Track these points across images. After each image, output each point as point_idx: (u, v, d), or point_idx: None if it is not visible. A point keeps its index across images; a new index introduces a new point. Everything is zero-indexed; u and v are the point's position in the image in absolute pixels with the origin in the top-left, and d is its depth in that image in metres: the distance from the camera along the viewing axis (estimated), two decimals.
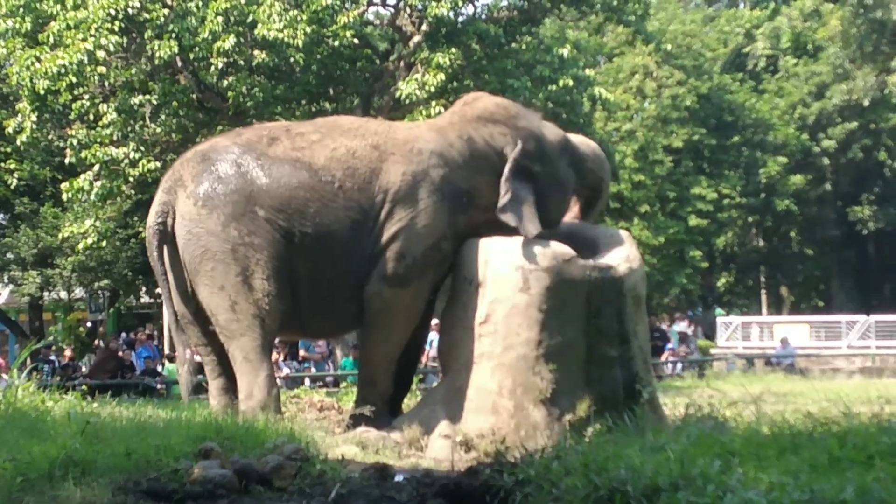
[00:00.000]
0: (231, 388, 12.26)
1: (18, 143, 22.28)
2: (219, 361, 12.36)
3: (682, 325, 33.03)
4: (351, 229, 12.09)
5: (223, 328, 11.81)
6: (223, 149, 12.19)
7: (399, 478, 8.32)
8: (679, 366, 28.55)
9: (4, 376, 17.94)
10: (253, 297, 11.69)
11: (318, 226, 11.94)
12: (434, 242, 12.31)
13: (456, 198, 12.41)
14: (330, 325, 12.99)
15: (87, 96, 21.86)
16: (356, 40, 22.05)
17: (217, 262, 11.66)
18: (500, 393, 11.44)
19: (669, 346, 29.12)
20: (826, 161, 43.21)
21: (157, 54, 20.19)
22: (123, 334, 27.69)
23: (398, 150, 12.36)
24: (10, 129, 22.06)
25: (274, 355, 17.93)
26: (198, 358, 16.20)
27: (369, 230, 12.17)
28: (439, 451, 11.01)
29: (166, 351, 26.70)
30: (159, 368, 23.53)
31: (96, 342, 26.03)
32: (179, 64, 21.70)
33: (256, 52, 20.72)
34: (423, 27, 22.73)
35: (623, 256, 12.23)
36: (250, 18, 20.45)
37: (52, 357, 23.29)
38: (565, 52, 23.69)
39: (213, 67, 20.95)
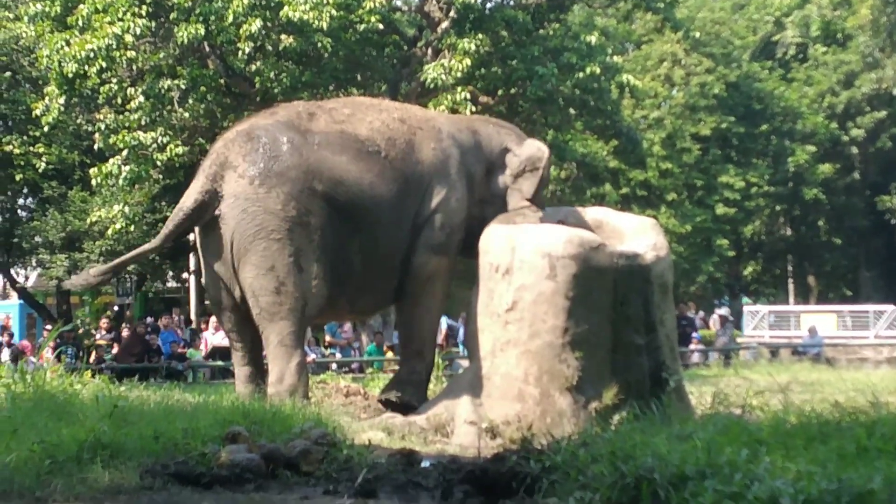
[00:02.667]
0: (258, 376, 12.34)
1: (44, 124, 22.34)
2: (249, 349, 12.39)
3: (723, 310, 33.09)
4: (400, 200, 12.30)
5: (263, 309, 11.72)
6: (267, 127, 12.14)
7: (425, 464, 8.34)
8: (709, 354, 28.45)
9: (32, 358, 18.04)
10: (301, 279, 11.69)
11: (373, 198, 12.07)
12: (463, 217, 12.77)
13: (469, 179, 12.82)
14: (374, 301, 13.09)
15: (115, 80, 21.91)
16: (381, 26, 22.01)
17: (272, 241, 11.56)
18: (526, 380, 11.43)
19: (695, 334, 29.01)
20: (854, 150, 43.02)
21: (183, 37, 20.19)
22: (150, 319, 27.73)
23: (423, 126, 12.88)
24: (37, 112, 22.10)
25: None
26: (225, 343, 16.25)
27: (415, 200, 12.46)
28: (465, 437, 11.02)
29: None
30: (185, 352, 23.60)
31: (122, 326, 26.08)
32: (207, 49, 21.73)
33: (283, 36, 20.73)
34: (451, 13, 22.70)
35: (650, 244, 12.20)
36: (276, 1, 20.44)
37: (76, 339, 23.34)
38: (593, 38, 23.65)
39: (240, 52, 20.99)
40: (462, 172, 12.90)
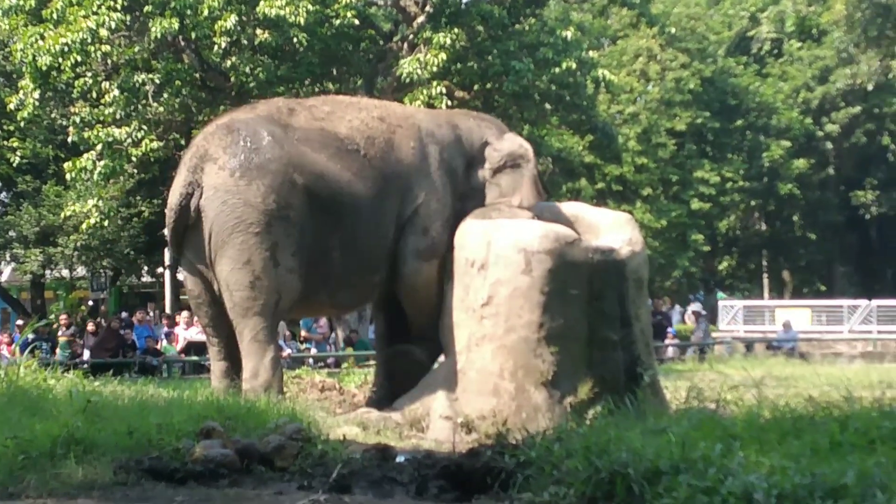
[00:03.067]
0: (234, 371, 12.22)
1: (20, 119, 22.25)
2: (226, 343, 12.25)
3: (695, 306, 33.19)
4: (379, 199, 12.28)
5: (237, 304, 11.65)
6: (247, 121, 12.09)
7: (400, 459, 8.33)
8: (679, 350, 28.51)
9: (6, 353, 17.98)
10: (276, 273, 11.61)
11: (352, 195, 12.03)
12: (447, 216, 12.72)
13: (450, 175, 12.85)
14: (354, 296, 13.03)
15: (89, 74, 21.82)
16: (357, 21, 21.98)
17: (249, 234, 11.48)
18: (501, 375, 11.45)
19: (671, 329, 29.08)
20: (829, 145, 43.19)
21: (157, 31, 20.11)
22: (124, 313, 27.65)
23: (402, 124, 12.88)
24: (11, 106, 22.00)
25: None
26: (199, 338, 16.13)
27: (395, 200, 12.46)
28: (440, 432, 11.04)
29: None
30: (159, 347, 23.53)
31: (97, 321, 25.99)
32: (182, 43, 21.68)
33: (259, 31, 20.68)
34: (427, 8, 22.70)
35: (625, 239, 12.24)
36: None
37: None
38: (569, 34, 23.64)
39: (216, 47, 20.95)
40: (443, 169, 12.90)
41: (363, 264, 12.38)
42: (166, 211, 12.05)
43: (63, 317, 24.35)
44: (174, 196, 11.81)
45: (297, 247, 11.72)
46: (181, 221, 11.76)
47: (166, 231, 12.15)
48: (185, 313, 25.05)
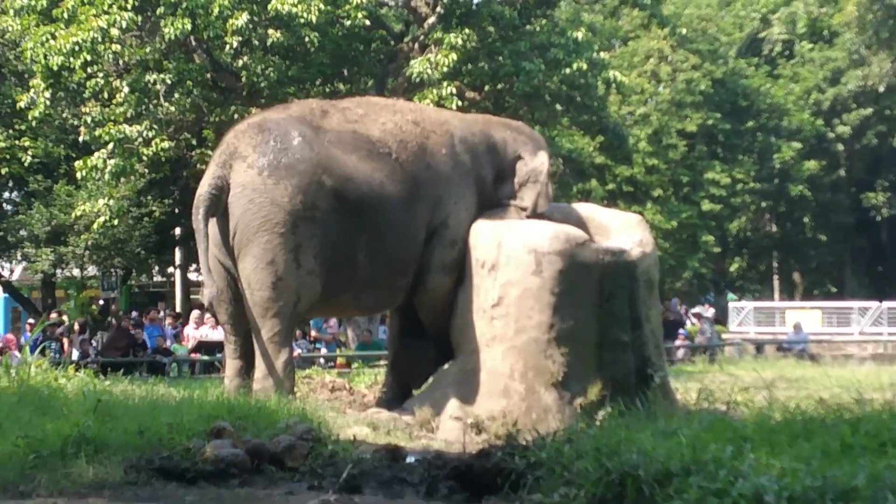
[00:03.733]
0: (248, 370, 12.25)
1: (30, 118, 22.25)
2: (242, 343, 12.29)
3: (697, 309, 33.14)
4: (409, 203, 12.30)
5: (257, 303, 11.66)
6: (279, 121, 12.13)
7: (410, 459, 8.33)
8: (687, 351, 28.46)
9: (17, 353, 17.98)
10: (298, 273, 11.63)
11: (381, 197, 12.04)
12: (469, 228, 12.68)
13: (479, 184, 12.88)
14: (380, 298, 12.95)
15: (101, 74, 21.82)
16: (368, 21, 21.95)
17: (275, 234, 11.50)
18: (511, 376, 11.47)
19: (682, 330, 29.05)
20: (840, 147, 43.13)
21: (169, 31, 20.12)
22: (135, 313, 27.68)
23: (436, 129, 12.91)
24: (22, 105, 22.01)
25: None
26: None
27: (426, 205, 12.47)
28: (450, 432, 11.04)
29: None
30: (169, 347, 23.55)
31: (108, 320, 26.03)
32: (193, 43, 21.67)
33: (270, 31, 20.67)
34: (438, 8, 22.68)
35: (636, 241, 12.25)
36: None
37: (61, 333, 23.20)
38: (580, 35, 23.58)
39: (227, 47, 20.93)
40: (472, 178, 12.97)
41: (390, 268, 12.37)
42: (194, 205, 11.93)
43: (76, 325, 24.43)
44: (202, 189, 11.82)
45: (320, 249, 11.73)
46: (209, 213, 11.75)
47: (194, 223, 12.00)
48: (195, 312, 25.08)
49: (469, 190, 12.88)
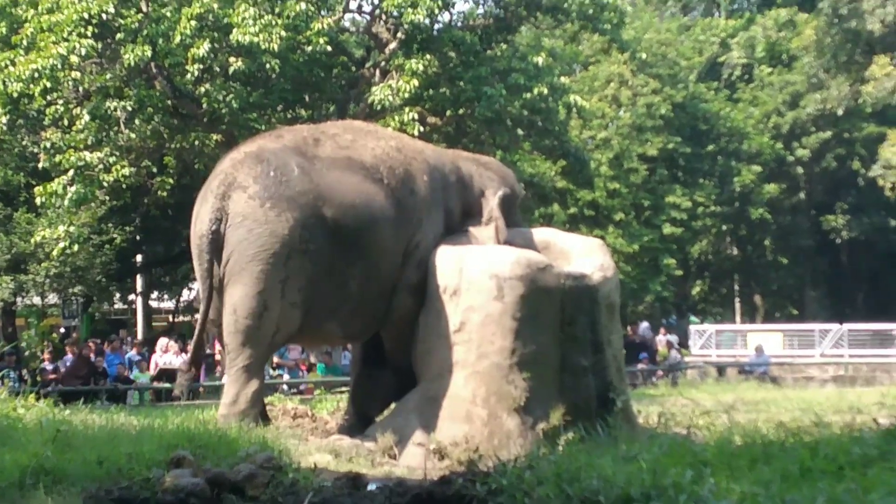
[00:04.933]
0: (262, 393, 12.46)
1: None
2: None
3: (671, 336, 33.35)
4: (398, 227, 12.39)
5: (240, 331, 11.67)
6: (276, 151, 12.12)
7: (372, 486, 8.30)
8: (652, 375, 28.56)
9: None
10: (281, 304, 11.67)
11: (376, 224, 12.13)
12: (431, 253, 12.71)
13: (447, 215, 13.01)
14: (365, 325, 12.90)
15: (61, 101, 21.71)
16: (329, 47, 21.96)
17: (268, 265, 11.52)
18: (473, 401, 11.46)
19: (644, 354, 29.13)
20: (800, 170, 43.31)
21: (128, 58, 20.05)
22: (96, 341, 27.52)
23: (416, 156, 13.13)
24: None
25: None
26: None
27: (408, 230, 12.54)
28: (413, 459, 11.02)
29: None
30: (130, 375, 23.43)
31: (66, 348, 25.86)
32: (154, 70, 21.60)
33: (232, 59, 20.64)
34: (399, 34, 22.71)
35: (597, 265, 12.28)
36: (224, 23, 20.36)
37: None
38: (540, 59, 23.65)
39: (188, 74, 20.88)
40: (442, 207, 13.10)
41: (381, 294, 12.47)
42: (196, 238, 11.92)
43: (46, 354, 24.30)
44: (202, 224, 11.80)
45: (307, 282, 11.76)
46: (211, 248, 11.72)
47: (194, 259, 12.03)
48: (162, 340, 25.06)
49: (439, 217, 13.00)
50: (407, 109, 21.56)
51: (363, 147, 12.56)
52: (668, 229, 39.84)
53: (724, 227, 43.67)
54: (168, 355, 24.30)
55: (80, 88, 21.71)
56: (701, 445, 7.61)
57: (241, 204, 11.67)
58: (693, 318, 43.70)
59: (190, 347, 14.66)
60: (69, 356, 23.61)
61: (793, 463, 6.30)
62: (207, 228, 11.69)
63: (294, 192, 11.69)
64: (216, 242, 11.71)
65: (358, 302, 12.28)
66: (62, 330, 31.17)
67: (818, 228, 43.53)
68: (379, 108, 21.62)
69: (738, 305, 47.67)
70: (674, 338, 33.53)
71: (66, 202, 21.54)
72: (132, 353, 25.07)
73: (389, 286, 12.51)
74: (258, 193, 11.65)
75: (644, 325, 35.57)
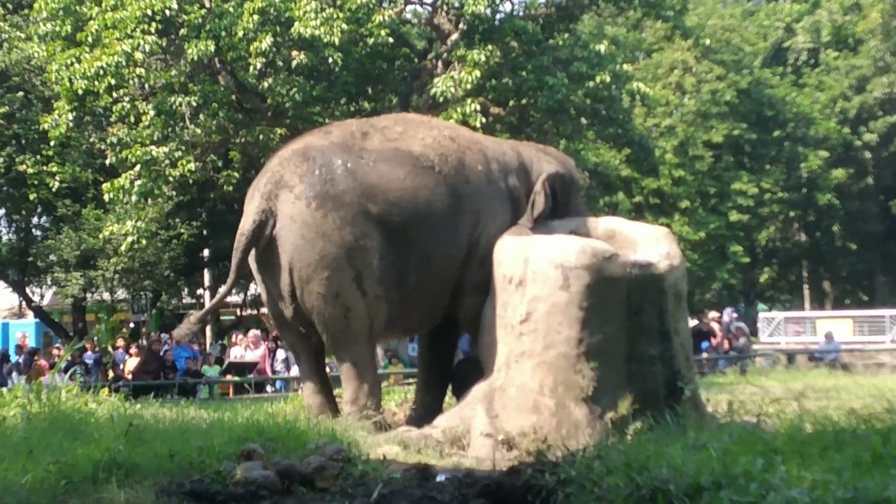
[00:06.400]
0: (324, 388, 12.64)
1: (51, 138, 22.29)
2: (314, 361, 12.71)
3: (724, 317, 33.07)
4: (452, 216, 12.36)
5: (334, 337, 11.97)
6: (323, 148, 12.16)
7: (441, 478, 8.32)
8: (721, 362, 28.31)
9: (46, 378, 18.07)
10: (365, 301, 11.82)
11: (427, 215, 12.13)
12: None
13: (514, 203, 12.93)
14: (425, 318, 13.00)
15: (126, 98, 21.89)
16: (391, 39, 21.98)
17: (333, 269, 11.65)
18: (541, 391, 11.43)
19: (707, 343, 28.90)
20: (868, 155, 42.86)
21: (192, 53, 20.15)
22: (165, 335, 27.77)
23: (471, 146, 12.99)
24: (45, 126, 22.08)
25: None
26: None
27: (468, 220, 12.52)
28: (481, 449, 11.00)
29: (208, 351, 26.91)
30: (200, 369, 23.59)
31: (139, 343, 26.09)
32: (218, 65, 21.72)
33: (294, 52, 20.70)
34: (461, 25, 22.68)
35: (663, 253, 12.19)
36: (286, 17, 20.42)
37: (89, 358, 23.21)
38: (603, 47, 23.55)
39: (251, 68, 20.98)
40: (506, 197, 13.04)
41: (437, 287, 12.49)
42: (238, 235, 12.08)
43: (120, 341, 24.57)
44: (247, 221, 11.91)
45: (381, 272, 11.85)
46: (251, 246, 11.92)
47: (234, 253, 12.18)
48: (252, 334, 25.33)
49: (502, 209, 12.92)
50: (469, 100, 21.54)
51: (412, 138, 12.52)
52: (734, 216, 39.62)
53: (792, 214, 43.35)
54: (237, 349, 24.49)
55: (146, 85, 21.88)
56: (771, 433, 7.54)
57: (287, 204, 11.78)
58: (761, 305, 43.34)
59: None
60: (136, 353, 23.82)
61: (865, 450, 6.24)
62: (249, 227, 11.82)
63: (338, 191, 11.73)
64: (257, 241, 11.86)
65: (417, 295, 12.31)
66: (131, 325, 31.47)
67: (887, 213, 43.04)
68: (441, 99, 21.59)
69: (806, 292, 47.27)
70: (742, 325, 33.22)
71: (133, 197, 21.72)
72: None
73: (449, 279, 12.52)
74: (304, 193, 11.73)
75: (729, 310, 35.34)
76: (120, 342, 24.56)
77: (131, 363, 23.10)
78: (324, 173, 11.80)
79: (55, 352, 24.26)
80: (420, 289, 12.28)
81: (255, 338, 24.74)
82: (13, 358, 24.80)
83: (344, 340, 11.98)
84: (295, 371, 22.66)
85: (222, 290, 13.06)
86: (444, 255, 12.37)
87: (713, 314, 30.39)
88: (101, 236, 25.02)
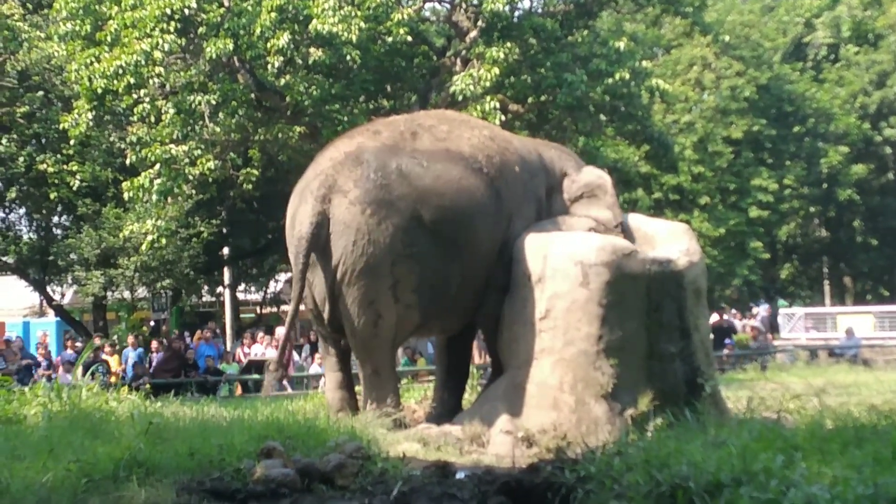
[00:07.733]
0: (347, 385, 12.70)
1: (71, 137, 22.32)
2: (341, 357, 12.74)
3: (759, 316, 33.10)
4: (494, 216, 12.36)
5: (359, 339, 11.99)
6: (375, 150, 12.09)
7: (460, 475, 8.32)
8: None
9: (69, 376, 18.11)
10: (396, 309, 11.85)
11: (476, 218, 12.11)
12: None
13: (537, 203, 12.95)
14: (461, 319, 12.99)
15: (146, 98, 21.91)
16: (410, 37, 21.96)
17: (375, 276, 11.67)
18: (561, 388, 11.42)
19: (729, 340, 28.85)
20: (888, 150, 42.77)
21: (212, 52, 20.15)
22: (186, 333, 27.82)
23: (507, 147, 12.93)
24: (65, 126, 22.12)
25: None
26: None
27: (503, 221, 12.49)
28: (501, 446, 11.00)
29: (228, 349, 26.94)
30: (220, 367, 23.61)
31: (160, 340, 26.11)
32: (237, 63, 21.73)
33: (312, 50, 20.70)
34: (480, 22, 22.64)
35: (683, 250, 12.18)
36: (304, 14, 20.41)
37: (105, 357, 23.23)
38: (622, 44, 23.49)
39: (270, 66, 20.98)
40: (533, 198, 13.04)
41: (476, 289, 12.51)
42: (295, 240, 12.03)
43: (131, 339, 24.56)
44: (304, 226, 11.85)
45: (419, 281, 11.85)
46: (311, 251, 11.84)
47: (292, 259, 12.20)
48: (247, 333, 25.28)
49: (530, 209, 12.94)
50: (488, 98, 21.50)
51: (459, 137, 12.49)
52: (754, 212, 39.55)
53: (812, 209, 43.25)
54: (257, 347, 24.51)
55: (165, 84, 21.90)
56: (791, 430, 7.52)
57: (342, 209, 11.73)
58: (782, 301, 43.25)
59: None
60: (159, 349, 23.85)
61: (886, 446, 6.22)
62: (308, 231, 11.75)
63: (393, 197, 11.70)
64: (316, 245, 11.80)
65: (459, 299, 12.33)
66: (152, 323, 31.51)
67: None
68: (460, 97, 21.56)
69: (827, 288, 47.13)
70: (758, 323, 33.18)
71: (153, 196, 21.75)
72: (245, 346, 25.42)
73: (483, 280, 12.49)
74: (359, 198, 11.68)
75: (763, 307, 35.32)
76: (130, 339, 24.52)
77: (132, 359, 23.08)
78: (379, 178, 11.75)
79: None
80: (460, 293, 12.29)
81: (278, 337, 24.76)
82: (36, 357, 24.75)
83: (370, 347, 12.03)
84: (314, 369, 22.74)
85: (290, 308, 12.59)
86: (483, 257, 12.35)
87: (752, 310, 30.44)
88: (121, 235, 25.07)
